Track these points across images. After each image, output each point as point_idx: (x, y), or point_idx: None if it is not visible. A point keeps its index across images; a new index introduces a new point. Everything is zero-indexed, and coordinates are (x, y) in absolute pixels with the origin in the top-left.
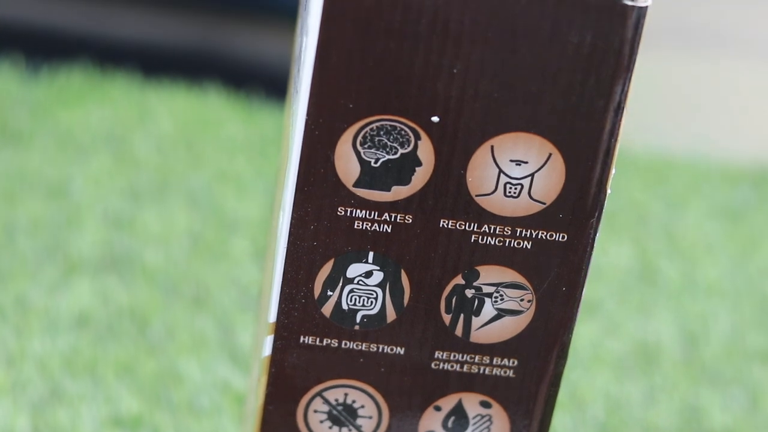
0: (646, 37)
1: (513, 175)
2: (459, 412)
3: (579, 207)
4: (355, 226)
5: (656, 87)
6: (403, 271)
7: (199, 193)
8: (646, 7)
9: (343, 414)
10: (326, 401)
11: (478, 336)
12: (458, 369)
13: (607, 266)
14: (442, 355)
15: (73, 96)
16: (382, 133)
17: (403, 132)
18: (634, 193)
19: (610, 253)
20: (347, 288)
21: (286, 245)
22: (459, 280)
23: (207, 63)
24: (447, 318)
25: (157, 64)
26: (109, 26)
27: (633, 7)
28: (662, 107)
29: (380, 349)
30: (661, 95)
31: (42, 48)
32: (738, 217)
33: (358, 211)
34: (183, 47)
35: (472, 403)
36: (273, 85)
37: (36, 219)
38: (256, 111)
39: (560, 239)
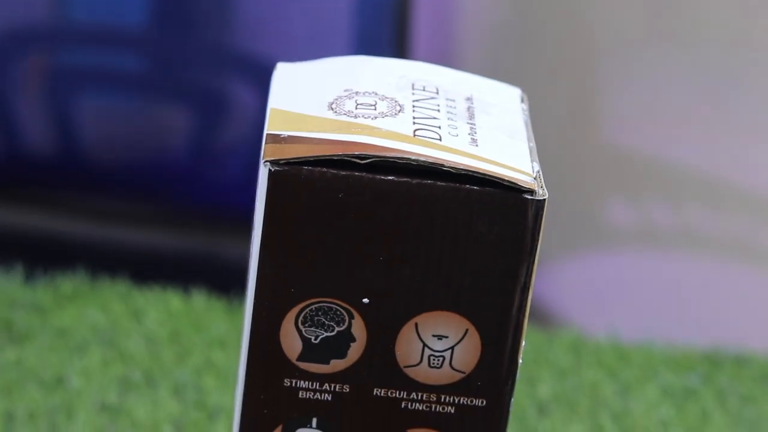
0: (613, 236)
1: (435, 349)
2: None
3: (495, 376)
4: (300, 396)
5: (617, 283)
6: None
7: (185, 384)
8: (544, 199)
9: None
10: None
11: None
12: None
13: None
14: None
15: (69, 299)
16: (320, 313)
17: (338, 312)
18: (591, 378)
19: None
20: None
21: (240, 413)
22: None
23: (193, 270)
24: None
25: (148, 271)
26: (103, 236)
27: (532, 200)
28: (624, 301)
29: None
30: (623, 291)
31: (41, 257)
32: (688, 397)
33: (302, 382)
34: (172, 256)
35: None
36: None
37: (34, 409)
38: (237, 310)
39: (480, 404)
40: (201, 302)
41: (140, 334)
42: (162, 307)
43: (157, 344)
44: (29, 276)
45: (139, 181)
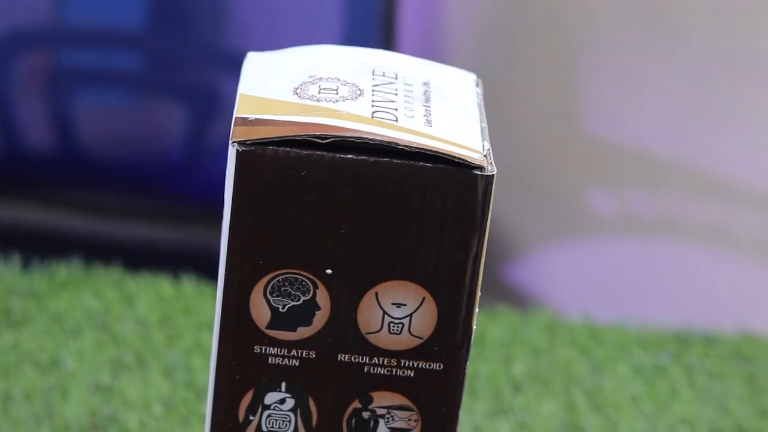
0: (590, 223)
1: (395, 316)
2: None
3: (450, 341)
4: (269, 361)
5: (593, 269)
6: (310, 398)
7: (175, 365)
8: (493, 175)
9: None
10: None
11: None
12: None
13: (537, 424)
14: None
15: (64, 286)
16: (287, 284)
17: (303, 282)
18: (565, 357)
19: (542, 412)
20: (266, 413)
21: (214, 379)
22: (357, 404)
23: (184, 258)
24: None
25: (140, 259)
26: (97, 228)
27: (482, 176)
28: (599, 286)
29: None
30: (599, 276)
31: (38, 247)
32: (658, 374)
33: (271, 348)
34: (163, 245)
35: None
36: None
37: (30, 390)
38: None
39: (437, 368)
40: (191, 288)
41: (132, 318)
42: (153, 293)
43: (148, 328)
44: (26, 264)
45: (133, 176)
